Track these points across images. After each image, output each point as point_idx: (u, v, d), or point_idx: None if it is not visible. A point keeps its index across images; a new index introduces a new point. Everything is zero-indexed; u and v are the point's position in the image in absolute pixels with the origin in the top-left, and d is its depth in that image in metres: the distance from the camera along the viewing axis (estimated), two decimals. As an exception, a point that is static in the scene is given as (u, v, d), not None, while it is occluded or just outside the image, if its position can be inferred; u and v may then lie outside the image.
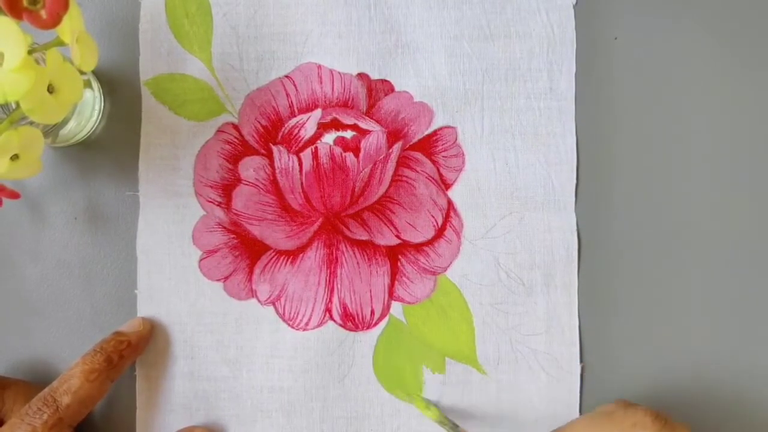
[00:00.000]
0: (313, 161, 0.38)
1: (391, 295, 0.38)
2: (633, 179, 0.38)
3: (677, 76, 0.38)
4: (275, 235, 0.38)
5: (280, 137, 0.38)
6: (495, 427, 0.38)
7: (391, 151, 0.38)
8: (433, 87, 0.38)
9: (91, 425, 0.38)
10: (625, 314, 0.38)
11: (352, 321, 0.38)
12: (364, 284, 0.38)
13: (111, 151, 0.39)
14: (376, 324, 0.38)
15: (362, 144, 0.38)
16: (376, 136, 0.38)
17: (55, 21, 0.28)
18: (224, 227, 0.38)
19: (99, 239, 0.38)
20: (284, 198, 0.38)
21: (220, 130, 0.38)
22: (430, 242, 0.38)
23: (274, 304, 0.38)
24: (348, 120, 0.38)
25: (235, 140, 0.38)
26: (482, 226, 0.38)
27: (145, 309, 0.38)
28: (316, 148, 0.38)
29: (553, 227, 0.38)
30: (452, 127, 0.38)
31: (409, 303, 0.38)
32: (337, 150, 0.38)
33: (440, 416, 0.36)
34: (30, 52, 0.29)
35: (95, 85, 0.38)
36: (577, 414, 0.37)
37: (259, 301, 0.38)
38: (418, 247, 0.38)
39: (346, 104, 0.38)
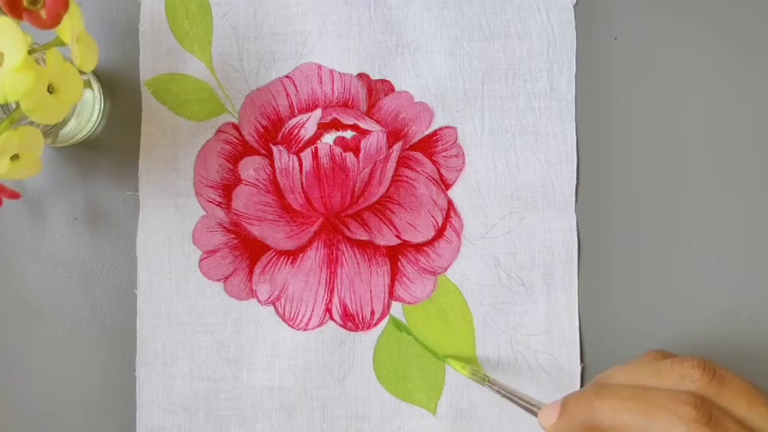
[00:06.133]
0: (313, 161, 0.38)
1: (392, 295, 0.38)
2: (633, 179, 0.38)
3: (677, 76, 0.38)
4: (275, 235, 0.38)
5: (280, 137, 0.38)
6: (495, 427, 0.38)
7: (391, 151, 0.38)
8: (433, 87, 0.38)
9: (91, 425, 0.38)
10: (625, 314, 0.38)
11: (352, 321, 0.38)
12: (364, 284, 0.38)
13: (111, 151, 0.39)
14: (376, 324, 0.38)
15: (362, 144, 0.38)
16: (376, 136, 0.38)
17: (55, 21, 0.28)
18: (224, 227, 0.38)
19: (99, 239, 0.38)
20: (284, 198, 0.38)
21: (220, 130, 0.38)
22: (430, 242, 0.38)
23: (274, 304, 0.38)
24: (348, 120, 0.38)
25: (235, 140, 0.38)
26: (482, 226, 0.38)
27: (145, 309, 0.38)
28: (316, 148, 0.38)
29: (553, 227, 0.38)
30: (452, 127, 0.38)
31: (409, 303, 0.38)
32: (337, 150, 0.38)
33: (471, 371, 0.36)
34: (30, 52, 0.29)
35: (95, 85, 0.38)
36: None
37: (259, 301, 0.38)
38: (418, 247, 0.38)
39: (346, 104, 0.38)
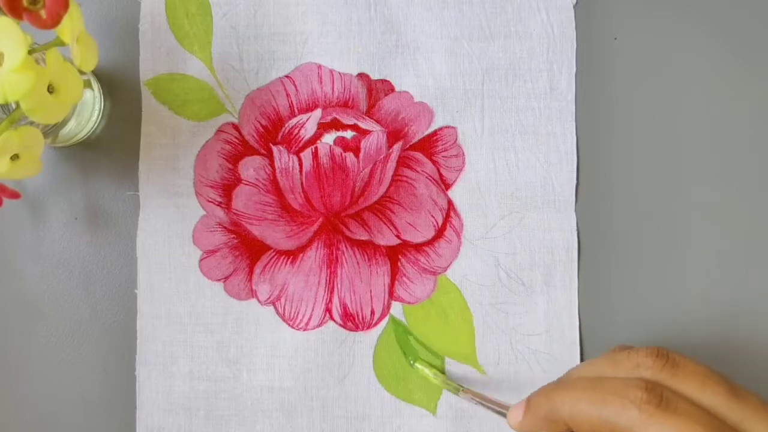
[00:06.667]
0: (313, 161, 0.38)
1: (392, 295, 0.38)
2: (633, 179, 0.38)
3: (677, 76, 0.38)
4: (275, 235, 0.38)
5: (280, 137, 0.38)
6: (495, 426, 0.38)
7: (391, 151, 0.38)
8: (433, 87, 0.38)
9: (91, 425, 0.38)
10: (625, 314, 0.38)
11: (352, 321, 0.38)
12: (364, 284, 0.38)
13: (111, 151, 0.39)
14: (376, 324, 0.38)
15: (362, 144, 0.38)
16: (376, 136, 0.38)
17: (55, 21, 0.28)
18: (224, 227, 0.38)
19: (99, 239, 0.38)
20: (284, 198, 0.38)
21: (220, 130, 0.38)
22: (430, 242, 0.38)
23: (274, 304, 0.38)
24: (348, 120, 0.38)
25: (235, 140, 0.38)
26: (482, 226, 0.38)
27: (145, 309, 0.38)
28: (316, 148, 0.38)
29: (553, 227, 0.38)
30: (452, 127, 0.38)
31: (409, 303, 0.38)
32: (337, 150, 0.38)
33: (443, 381, 0.36)
34: (30, 52, 0.29)
35: (95, 85, 0.38)
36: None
37: (259, 301, 0.38)
38: (418, 247, 0.38)
39: (346, 104, 0.38)
